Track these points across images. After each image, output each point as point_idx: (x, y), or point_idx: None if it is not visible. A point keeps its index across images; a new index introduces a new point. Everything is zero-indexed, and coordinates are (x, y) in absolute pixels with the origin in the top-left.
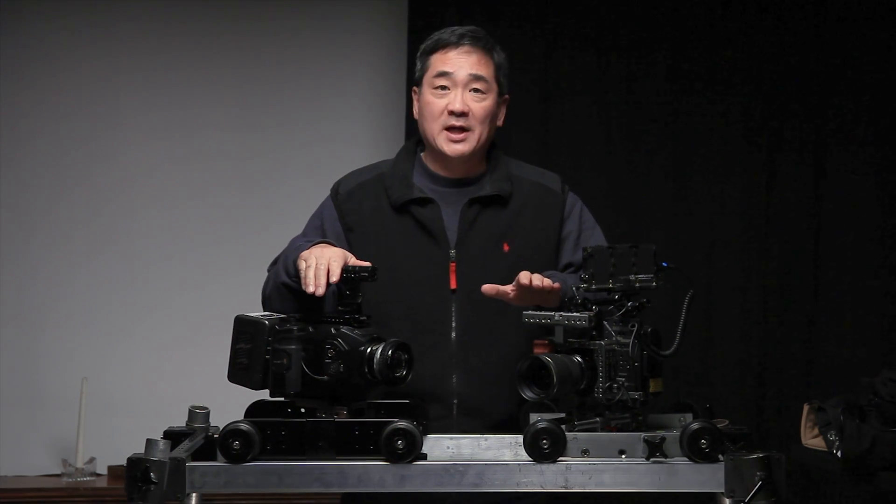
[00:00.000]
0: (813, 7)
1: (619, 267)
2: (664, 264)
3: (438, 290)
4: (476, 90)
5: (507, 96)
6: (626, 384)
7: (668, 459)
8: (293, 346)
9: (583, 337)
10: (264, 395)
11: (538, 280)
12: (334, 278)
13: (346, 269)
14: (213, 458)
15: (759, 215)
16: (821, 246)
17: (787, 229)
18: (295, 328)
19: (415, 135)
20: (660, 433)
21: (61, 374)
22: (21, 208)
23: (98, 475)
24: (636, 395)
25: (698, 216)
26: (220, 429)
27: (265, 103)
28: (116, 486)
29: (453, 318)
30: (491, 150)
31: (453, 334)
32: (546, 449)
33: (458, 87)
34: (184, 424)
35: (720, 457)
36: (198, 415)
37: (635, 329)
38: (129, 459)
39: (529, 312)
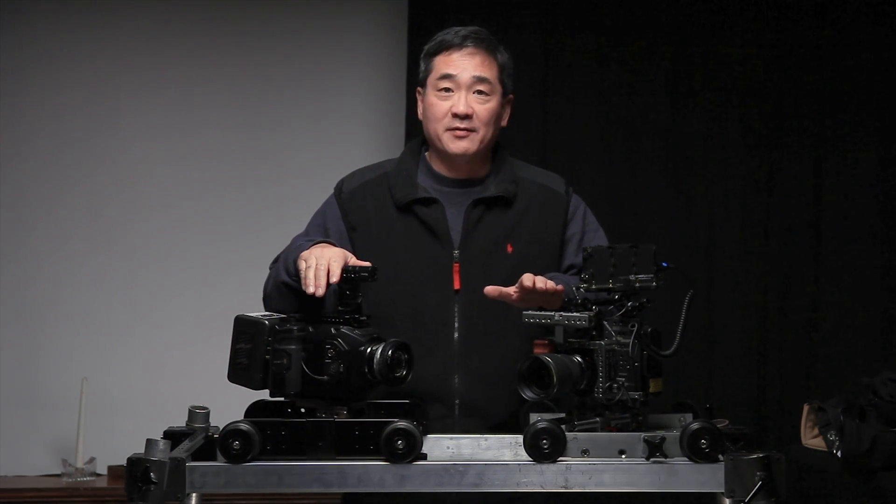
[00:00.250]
0: (813, 7)
1: (619, 267)
2: (664, 264)
3: (442, 290)
4: (480, 92)
5: (511, 96)
6: (626, 384)
7: (668, 459)
8: (293, 346)
9: (583, 337)
10: (264, 395)
11: (541, 282)
12: (334, 278)
13: (345, 269)
14: (213, 458)
15: (759, 215)
16: (821, 246)
17: (787, 229)
18: (295, 328)
19: (417, 135)
20: (660, 433)
21: (61, 374)
22: (21, 208)
23: (98, 475)
24: (636, 395)
25: (698, 216)
26: (220, 429)
27: (265, 103)
28: (116, 486)
29: (456, 319)
30: (496, 150)
31: (456, 334)
32: (546, 449)
33: (462, 89)
34: (184, 424)
35: (720, 457)
36: (198, 415)
37: (635, 329)
38: (129, 459)
39: (529, 312)
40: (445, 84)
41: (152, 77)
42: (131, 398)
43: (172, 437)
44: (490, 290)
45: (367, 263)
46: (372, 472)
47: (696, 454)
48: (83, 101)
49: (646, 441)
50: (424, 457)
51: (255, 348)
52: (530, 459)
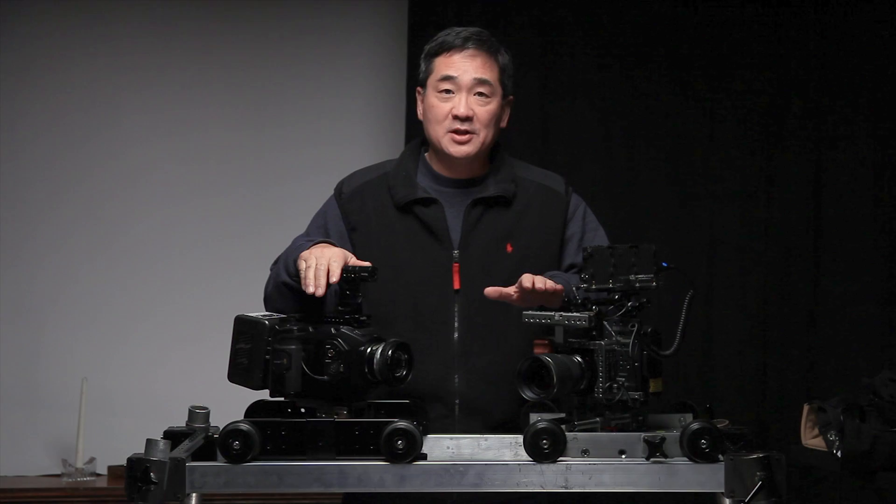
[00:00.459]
0: (813, 6)
1: (619, 267)
2: (664, 264)
3: (442, 290)
4: (480, 94)
5: (510, 97)
6: (626, 384)
7: (668, 459)
8: (293, 346)
9: (583, 337)
10: (264, 395)
11: (540, 282)
12: (334, 278)
13: (346, 269)
14: (213, 458)
15: (759, 215)
16: (821, 246)
17: (787, 229)
18: (295, 328)
19: (417, 135)
20: (660, 433)
21: (61, 374)
22: (21, 208)
23: (98, 475)
24: (636, 395)
25: (698, 216)
26: (220, 429)
27: (265, 103)
28: (116, 486)
29: (456, 319)
30: (495, 150)
31: (456, 334)
32: (546, 449)
33: (463, 91)
34: (184, 424)
35: (720, 457)
36: (198, 415)
37: (635, 329)
38: (129, 459)
39: (529, 312)
40: (446, 86)
41: (152, 76)
42: (131, 398)
43: (172, 437)
44: (490, 291)
45: (368, 263)
46: (372, 472)
47: (696, 454)
48: (83, 101)
49: (646, 441)
50: (424, 457)
51: (255, 348)
52: (530, 459)
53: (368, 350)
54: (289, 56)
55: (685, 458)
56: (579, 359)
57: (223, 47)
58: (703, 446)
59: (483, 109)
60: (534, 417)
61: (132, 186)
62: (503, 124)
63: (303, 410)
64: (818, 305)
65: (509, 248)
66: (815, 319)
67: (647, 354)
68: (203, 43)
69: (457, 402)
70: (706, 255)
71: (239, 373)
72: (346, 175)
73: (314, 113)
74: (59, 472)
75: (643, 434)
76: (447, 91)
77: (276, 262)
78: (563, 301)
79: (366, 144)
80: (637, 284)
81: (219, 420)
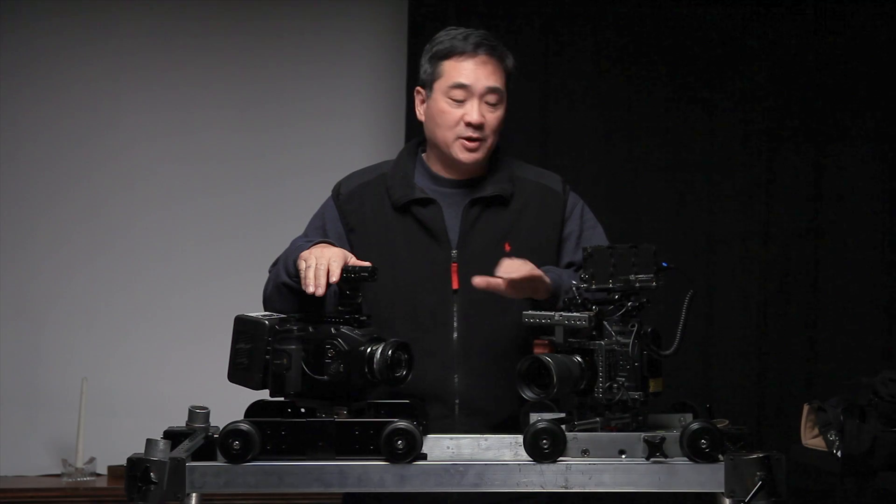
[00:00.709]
0: (813, 6)
1: (619, 267)
2: (664, 264)
3: (440, 290)
4: (490, 100)
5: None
6: (626, 384)
7: (668, 459)
8: (293, 346)
9: (583, 337)
10: (264, 395)
11: (516, 270)
12: (334, 278)
13: (345, 269)
14: (213, 458)
15: (759, 215)
16: (821, 245)
17: (787, 229)
18: (295, 328)
19: (417, 135)
20: (660, 433)
21: (61, 374)
22: (21, 208)
23: (98, 475)
24: (636, 395)
25: (698, 216)
26: (220, 429)
27: (265, 103)
28: (116, 486)
29: (455, 319)
30: (493, 151)
31: (455, 334)
32: (546, 449)
33: (475, 98)
34: (184, 424)
35: (720, 457)
36: (198, 415)
37: (635, 329)
38: (129, 459)
39: (529, 312)
40: (459, 94)
41: (152, 77)
42: (131, 398)
43: (172, 437)
44: (478, 280)
45: (367, 263)
46: (372, 472)
47: (696, 454)
48: (83, 101)
49: (646, 441)
50: (424, 457)
51: (255, 348)
52: (530, 459)
53: (368, 350)
54: (289, 56)
55: (685, 458)
56: (579, 359)
57: (223, 47)
58: (703, 446)
59: (493, 116)
60: (534, 417)
61: (132, 186)
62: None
63: (303, 410)
64: (818, 306)
65: (507, 248)
66: (815, 319)
67: (647, 354)
68: (203, 43)
69: (456, 401)
70: (706, 255)
71: (239, 373)
72: (344, 176)
73: (314, 113)
74: (59, 472)
75: (643, 434)
76: (458, 97)
77: (274, 264)
78: (554, 293)
79: (366, 144)
80: (637, 284)
81: (219, 420)
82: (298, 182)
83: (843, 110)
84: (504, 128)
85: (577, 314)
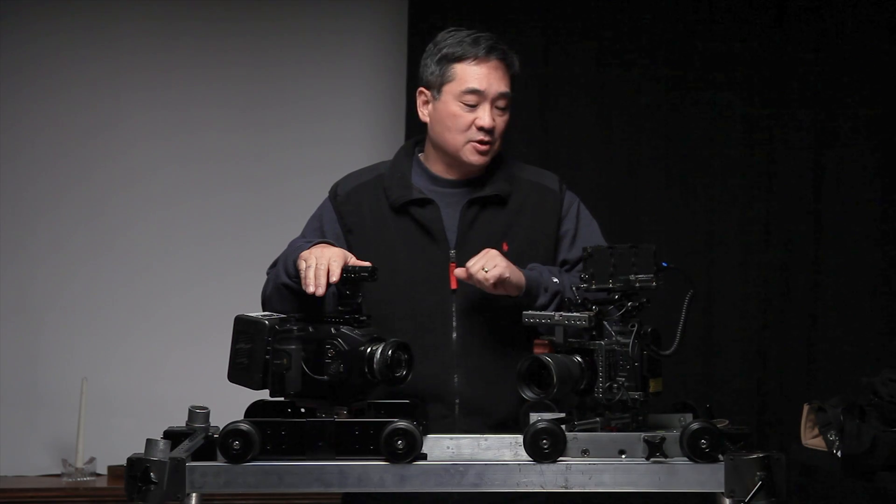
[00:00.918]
0: (813, 6)
1: (619, 267)
2: (664, 264)
3: (439, 290)
4: (500, 105)
5: None
6: (626, 384)
7: (668, 459)
8: (293, 346)
9: (583, 337)
10: (264, 395)
11: (473, 275)
12: (334, 278)
13: (345, 269)
14: (213, 458)
15: (759, 215)
16: (821, 246)
17: (787, 229)
18: (295, 328)
19: (416, 135)
20: (660, 433)
21: (61, 374)
22: (21, 208)
23: (98, 475)
24: (636, 395)
25: (698, 216)
26: (220, 429)
27: (265, 103)
28: (116, 486)
29: (454, 319)
30: None
31: (454, 334)
32: (546, 449)
33: (487, 102)
34: (184, 424)
35: (720, 457)
36: (198, 415)
37: (635, 329)
38: (129, 459)
39: (529, 312)
40: (472, 98)
41: (153, 77)
42: (131, 398)
43: (172, 437)
44: (460, 272)
45: (367, 263)
46: (372, 472)
47: (696, 454)
48: (83, 101)
49: (646, 441)
50: (424, 457)
51: (255, 348)
52: (530, 459)
53: (368, 350)
54: (289, 56)
55: (685, 458)
56: (579, 359)
57: (223, 48)
58: (703, 446)
59: (501, 120)
60: (534, 417)
61: (132, 187)
62: None
63: (303, 410)
64: (818, 305)
65: (505, 247)
66: (815, 319)
67: (647, 354)
68: (203, 43)
69: (456, 401)
70: (706, 255)
71: (239, 373)
72: (341, 177)
73: (314, 113)
74: (59, 472)
75: (643, 434)
76: (471, 102)
77: (273, 265)
78: (520, 290)
79: (366, 145)
80: (637, 284)
81: (219, 420)
82: (298, 182)
83: (843, 110)
84: (508, 126)
85: (577, 314)
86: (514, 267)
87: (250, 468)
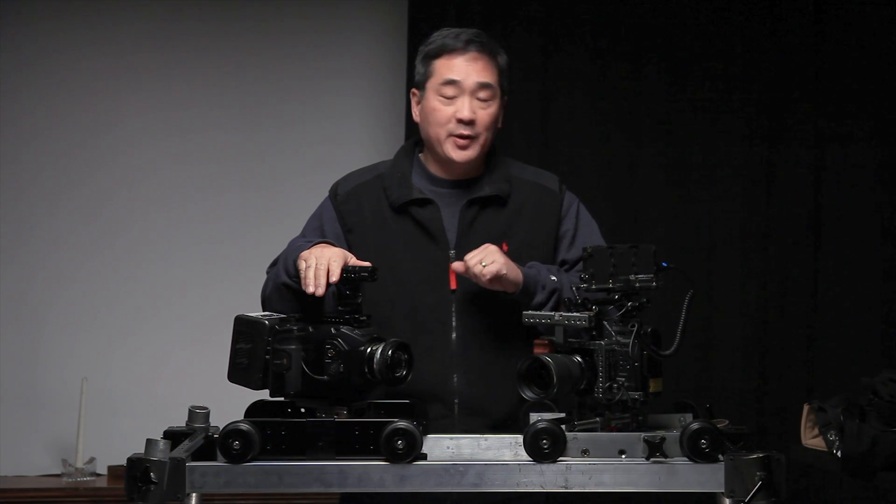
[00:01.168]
0: (813, 6)
1: (619, 267)
2: (664, 264)
3: (438, 290)
4: (482, 97)
5: (505, 98)
6: (626, 384)
7: (668, 459)
8: (293, 346)
9: (583, 337)
10: (264, 395)
11: (470, 269)
12: (334, 278)
13: (345, 269)
14: (213, 458)
15: (759, 215)
16: (821, 246)
17: (787, 229)
18: (295, 328)
19: (414, 135)
20: (660, 433)
21: (61, 374)
22: (21, 208)
23: (98, 475)
24: (636, 395)
25: (698, 216)
26: (220, 429)
27: (265, 103)
28: (116, 486)
29: (453, 319)
30: (490, 151)
31: (454, 334)
32: (546, 449)
33: (466, 94)
34: (184, 424)
35: (720, 457)
36: (198, 415)
37: (635, 329)
38: (129, 459)
39: (529, 312)
40: (449, 89)
41: (152, 77)
42: (131, 398)
43: (172, 437)
44: (457, 265)
45: (367, 263)
46: (372, 472)
47: (696, 454)
48: (83, 101)
49: (646, 441)
50: (424, 457)
51: (255, 348)
52: (530, 459)
53: (368, 350)
54: (288, 56)
55: (685, 458)
56: (579, 359)
57: (223, 47)
58: (703, 446)
59: (485, 112)
60: (534, 417)
61: (132, 187)
62: (499, 125)
63: (303, 410)
64: (818, 305)
65: (505, 248)
66: (815, 319)
67: (647, 354)
68: (203, 43)
69: (456, 401)
70: (706, 255)
71: (239, 373)
72: (341, 177)
73: (314, 113)
74: (59, 472)
75: (643, 434)
76: (449, 94)
77: (273, 265)
78: (516, 287)
79: (365, 144)
80: (637, 284)
81: (219, 420)
82: (298, 182)
83: (843, 110)
84: (503, 127)
85: (577, 314)
86: (512, 263)
87: (250, 468)
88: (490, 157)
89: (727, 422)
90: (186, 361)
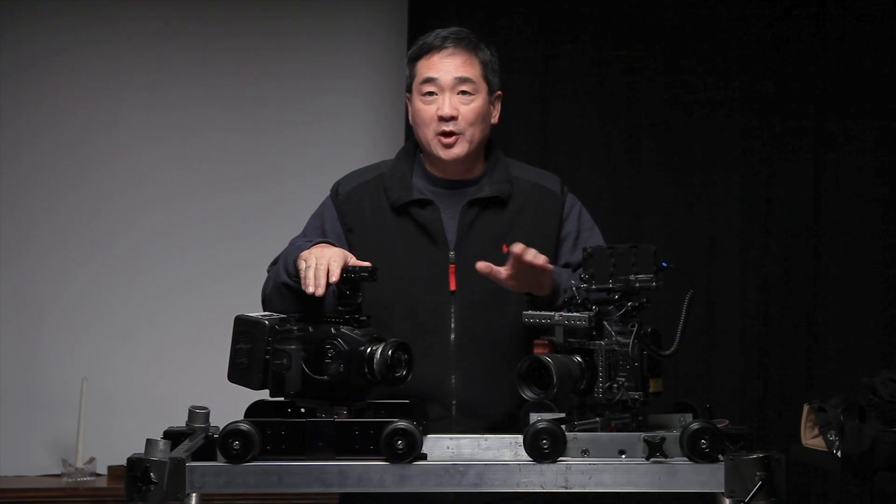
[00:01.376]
0: (814, 5)
1: (619, 267)
2: (664, 264)
3: (438, 291)
4: (463, 92)
5: (499, 93)
6: (626, 384)
7: (668, 459)
8: (293, 346)
9: (583, 337)
10: (264, 395)
11: (531, 255)
12: (334, 278)
13: (345, 269)
14: (213, 458)
15: (759, 215)
16: (821, 245)
17: (787, 229)
18: (295, 328)
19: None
20: (660, 433)
21: (61, 374)
22: (21, 208)
23: (98, 475)
24: (636, 395)
25: (698, 216)
26: (220, 429)
27: (265, 103)
28: (116, 486)
29: (452, 320)
30: (489, 150)
31: (452, 335)
32: (546, 449)
33: (446, 91)
34: (184, 424)
35: (720, 457)
36: (198, 415)
37: (635, 329)
38: (129, 459)
39: (529, 312)
40: (429, 88)
41: (152, 77)
42: (131, 398)
43: (172, 437)
44: (481, 266)
45: (367, 263)
46: (372, 472)
47: (696, 454)
48: (83, 101)
49: (646, 441)
50: (424, 457)
51: (255, 348)
52: (530, 459)
53: (368, 350)
54: (288, 56)
55: (685, 458)
56: (579, 359)
57: (223, 48)
58: (703, 446)
59: (467, 108)
60: (534, 417)
61: (132, 187)
62: (495, 121)
63: (303, 410)
64: (818, 305)
65: (505, 249)
66: (815, 319)
67: (647, 354)
68: (203, 43)
69: (453, 402)
70: (706, 255)
71: (239, 373)
72: (342, 176)
73: (314, 113)
74: (59, 472)
75: (643, 434)
76: (430, 93)
77: (273, 264)
78: (554, 290)
79: (365, 145)
80: (637, 284)
81: (219, 420)
82: (298, 182)
83: (843, 111)
84: (500, 125)
85: (577, 314)
86: None
87: (250, 468)
88: (489, 157)
89: (727, 422)
90: (186, 361)
